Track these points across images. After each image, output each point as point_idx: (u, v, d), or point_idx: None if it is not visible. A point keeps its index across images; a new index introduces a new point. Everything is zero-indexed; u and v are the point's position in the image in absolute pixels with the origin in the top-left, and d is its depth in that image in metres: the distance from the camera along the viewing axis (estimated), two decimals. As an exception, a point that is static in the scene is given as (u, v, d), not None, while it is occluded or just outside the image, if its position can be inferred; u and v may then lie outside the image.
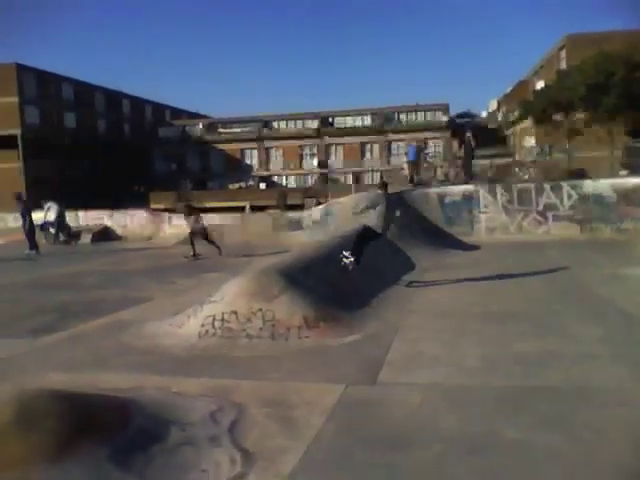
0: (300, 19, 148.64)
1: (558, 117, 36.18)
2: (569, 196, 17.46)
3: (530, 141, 44.51)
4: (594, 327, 6.66)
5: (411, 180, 19.79)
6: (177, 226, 21.41)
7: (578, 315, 7.27)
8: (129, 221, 22.54)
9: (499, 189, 18.18)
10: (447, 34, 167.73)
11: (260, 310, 6.71)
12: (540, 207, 17.50)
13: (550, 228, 17.07)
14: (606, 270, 10.50)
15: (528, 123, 48.16)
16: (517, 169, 22.13)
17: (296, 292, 7.09)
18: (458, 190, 18.52)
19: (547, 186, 17.87)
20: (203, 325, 6.74)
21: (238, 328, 6.57)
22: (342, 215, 16.33)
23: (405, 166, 21.24)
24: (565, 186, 17.65)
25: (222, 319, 6.71)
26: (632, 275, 9.68)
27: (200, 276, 12.10)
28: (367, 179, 58.02)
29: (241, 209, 44.16)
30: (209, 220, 20.61)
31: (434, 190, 18.70)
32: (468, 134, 20.85)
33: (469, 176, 20.24)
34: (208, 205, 45.34)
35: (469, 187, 18.70)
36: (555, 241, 15.57)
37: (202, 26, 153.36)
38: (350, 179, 54.46)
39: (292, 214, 20.53)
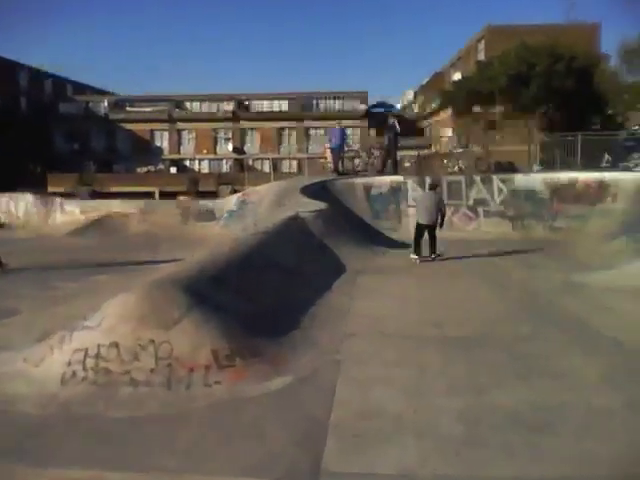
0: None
1: (478, 109, 35.97)
2: (500, 191, 16.59)
3: (448, 133, 44.38)
4: (582, 359, 5.35)
5: (335, 169, 18.25)
6: (71, 213, 18.77)
7: (555, 340, 5.96)
8: (12, 206, 19.48)
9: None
10: (363, 23, 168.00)
11: (152, 342, 4.85)
12: (470, 202, 16.53)
13: (481, 224, 16.12)
14: (556, 276, 9.41)
15: (446, 114, 48.19)
16: (445, 160, 21.25)
17: (204, 314, 5.27)
18: (385, 181, 17.21)
19: (477, 179, 16.94)
20: (70, 363, 4.79)
21: (119, 370, 4.68)
22: (263, 205, 14.56)
23: (328, 153, 19.67)
24: (496, 180, 16.77)
25: (97, 355, 4.79)
26: (588, 283, 8.60)
27: (88, 279, 9.93)
28: (285, 166, 56.19)
29: (150, 195, 41.15)
30: (107, 206, 18.23)
31: (360, 181, 17.27)
32: (392, 120, 19.50)
33: (394, 166, 18.95)
34: (113, 189, 41.99)
35: (397, 178, 17.44)
36: (488, 239, 14.57)
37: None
38: (267, 166, 52.41)
39: (204, 202, 18.45)
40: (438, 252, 11.49)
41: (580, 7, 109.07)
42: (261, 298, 6.45)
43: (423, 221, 11.49)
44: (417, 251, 11.30)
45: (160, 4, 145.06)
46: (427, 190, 13.19)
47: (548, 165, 21.03)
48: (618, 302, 7.52)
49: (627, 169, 15.65)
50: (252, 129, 60.72)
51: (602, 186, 14.93)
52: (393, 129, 18.87)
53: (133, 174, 52.29)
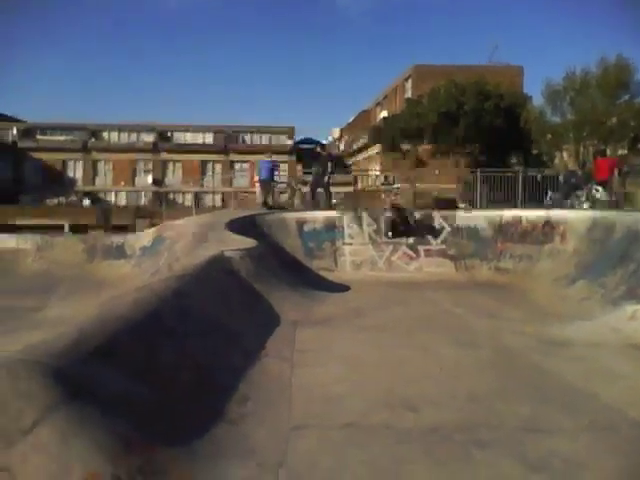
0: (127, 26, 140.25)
1: (407, 146, 35.67)
2: (441, 228, 15.51)
3: (375, 169, 43.97)
4: (622, 465, 3.88)
5: (265, 203, 16.63)
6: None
7: (568, 429, 4.47)
8: None
9: (365, 217, 15.73)
10: (292, 59, 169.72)
11: (-19, 473, 2.93)
12: (410, 240, 15.32)
13: (422, 264, 14.88)
14: (526, 328, 8.09)
15: (372, 152, 48.03)
16: (383, 195, 20.19)
17: (76, 414, 3.39)
18: (319, 217, 15.75)
19: (417, 215, 15.80)
20: None
21: None
22: (181, 242, 12.62)
23: (257, 186, 18.08)
24: (437, 216, 15.70)
25: None
26: (569, 339, 7.32)
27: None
28: (209, 200, 53.93)
29: (59, 228, 37.88)
30: (-1, 242, 15.67)
31: (292, 216, 15.72)
32: (322, 152, 18.22)
33: (329, 199, 17.56)
34: (18, 223, 38.35)
35: (331, 214, 16.02)
36: (432, 281, 13.32)
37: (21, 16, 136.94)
38: (189, 199, 49.98)
39: (113, 238, 16.18)
40: None
41: (502, 50, 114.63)
42: (171, 377, 4.58)
43: None
44: None
45: (83, 30, 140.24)
46: None
47: (473, 204, 20.34)
48: (619, 365, 6.21)
49: (572, 207, 15.01)
50: (174, 161, 58.31)
51: (549, 225, 14.09)
52: (326, 159, 17.56)
53: (41, 206, 48.43)
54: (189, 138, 59.45)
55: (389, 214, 15.07)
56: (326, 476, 3.70)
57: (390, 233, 14.97)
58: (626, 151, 27.19)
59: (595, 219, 12.71)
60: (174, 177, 57.73)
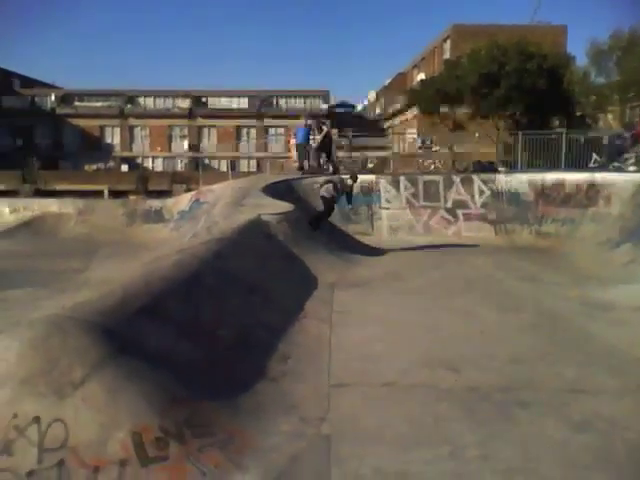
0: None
1: (445, 109, 34.82)
2: (481, 192, 15.20)
3: (413, 133, 43.21)
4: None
5: (301, 167, 16.53)
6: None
7: (614, 391, 4.41)
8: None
9: (403, 181, 15.52)
10: (325, 25, 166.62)
11: (36, 421, 3.05)
12: (449, 204, 15.10)
13: (461, 229, 14.68)
14: (569, 292, 7.93)
15: (411, 114, 47.10)
16: (421, 160, 19.82)
17: (124, 370, 3.48)
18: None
19: (457, 179, 15.51)
20: None
21: (-26, 473, 2.87)
22: (218, 206, 12.71)
23: (293, 150, 17.95)
24: (477, 180, 15.38)
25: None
26: (613, 302, 7.14)
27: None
28: (244, 166, 54.07)
29: (99, 193, 38.55)
30: (41, 205, 16.06)
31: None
32: (313, 123, 17.27)
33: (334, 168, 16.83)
34: (59, 188, 39.16)
35: (368, 177, 15.87)
36: (471, 245, 13.11)
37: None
38: (224, 165, 50.21)
39: (152, 202, 16.40)
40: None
41: (545, 9, 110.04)
42: (213, 335, 4.66)
43: None
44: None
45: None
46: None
47: (513, 167, 19.82)
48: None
49: (619, 170, 14.48)
50: (209, 127, 58.41)
51: (593, 188, 13.66)
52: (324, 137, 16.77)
53: (81, 172, 49.36)
54: (224, 103, 59.36)
55: (326, 193, 11.24)
56: (368, 431, 3.74)
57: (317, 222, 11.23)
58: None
59: (640, 182, 12.26)
60: (209, 142, 57.94)
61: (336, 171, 15.89)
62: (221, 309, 5.26)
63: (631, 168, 14.08)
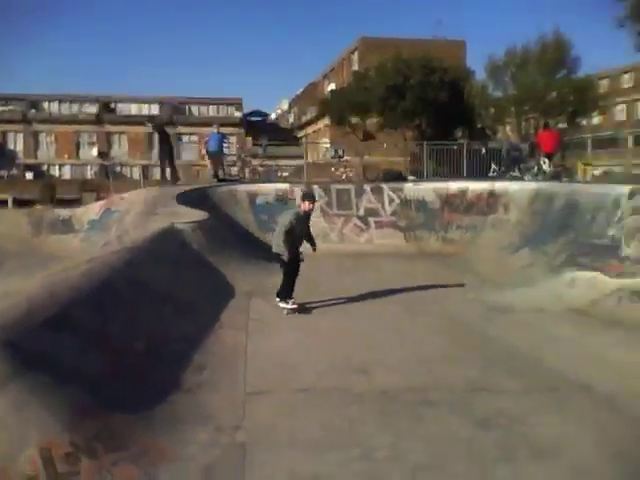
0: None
1: (355, 119, 35.76)
2: (390, 200, 15.73)
3: (325, 142, 43.97)
4: (569, 424, 4.18)
5: (215, 175, 16.43)
6: None
7: (514, 390, 4.77)
8: None
9: (317, 190, 15.77)
10: (240, 28, 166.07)
11: None
12: (361, 212, 15.51)
13: (373, 236, 15.08)
14: (473, 296, 8.40)
15: (321, 124, 47.94)
16: (333, 168, 20.24)
17: (32, 384, 3.38)
18: (271, 189, 15.73)
19: (367, 188, 15.98)
20: None
21: None
22: (130, 215, 12.38)
23: (206, 158, 17.79)
24: (386, 189, 15.91)
25: None
26: (513, 305, 7.66)
27: None
28: (157, 173, 52.66)
29: (2, 203, 36.27)
30: None
31: (243, 188, 15.62)
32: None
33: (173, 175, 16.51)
34: (-41, 198, 36.56)
35: (283, 186, 16.02)
36: (383, 252, 13.54)
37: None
38: (137, 172, 48.75)
39: (60, 211, 15.69)
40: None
41: (446, 25, 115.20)
42: (125, 346, 4.59)
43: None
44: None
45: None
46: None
47: (419, 176, 20.65)
48: (560, 329, 6.56)
49: (517, 179, 15.46)
50: (119, 133, 56.56)
51: (493, 196, 14.52)
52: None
53: (-20, 180, 46.36)
54: (134, 109, 57.73)
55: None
56: (283, 437, 3.83)
57: None
58: (566, 125, 28.15)
59: (537, 190, 13.17)
60: (120, 149, 56.07)
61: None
62: (133, 319, 5.18)
63: (527, 177, 15.09)
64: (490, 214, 14.33)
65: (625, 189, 9.75)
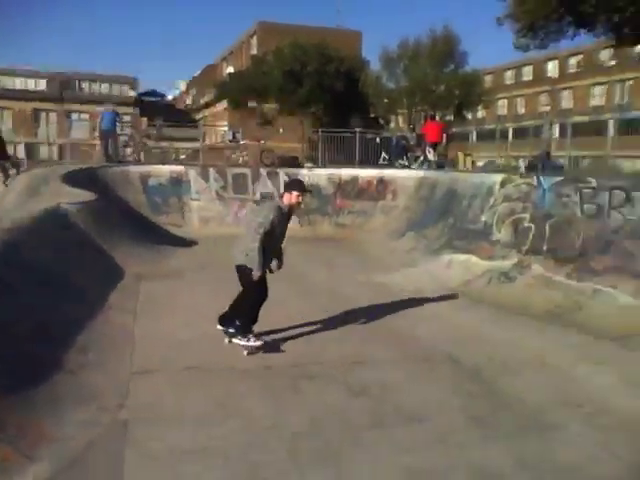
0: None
1: (253, 103, 35.60)
2: (286, 185, 16.00)
3: (224, 125, 43.40)
4: (433, 391, 4.64)
5: (107, 155, 15.83)
6: None
7: (388, 362, 5.20)
8: None
9: (212, 173, 15.73)
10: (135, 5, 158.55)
11: None
12: (257, 196, 15.66)
13: (268, 220, 15.28)
14: (360, 277, 8.89)
15: (220, 108, 47.27)
16: (229, 151, 20.09)
17: None
18: (165, 170, 15.48)
19: (264, 172, 16.15)
20: None
21: None
22: (11, 195, 11.71)
23: (97, 137, 17.05)
24: (282, 174, 16.15)
25: None
26: (391, 285, 8.20)
27: None
28: (43, 152, 49.49)
29: None
30: None
31: (136, 169, 15.24)
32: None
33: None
34: None
35: (177, 168, 15.82)
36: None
37: None
38: (21, 151, 45.64)
39: None
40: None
41: (344, 14, 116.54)
42: (7, 328, 4.49)
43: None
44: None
45: None
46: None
47: (315, 162, 21.11)
48: (435, 307, 7.14)
49: (405, 167, 16.24)
50: (2, 108, 52.52)
51: (382, 183, 15.21)
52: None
53: None
54: (18, 84, 53.80)
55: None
56: (167, 413, 3.96)
57: None
58: (452, 117, 29.68)
59: (422, 178, 13.98)
60: (4, 126, 52.10)
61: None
62: (14, 301, 5.05)
63: (414, 166, 15.92)
64: (380, 200, 15.02)
65: (498, 178, 10.62)
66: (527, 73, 50.18)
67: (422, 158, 16.02)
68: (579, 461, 3.53)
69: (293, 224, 14.73)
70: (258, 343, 5.24)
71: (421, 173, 14.64)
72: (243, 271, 5.21)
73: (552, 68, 46.00)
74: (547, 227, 8.90)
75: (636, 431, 3.95)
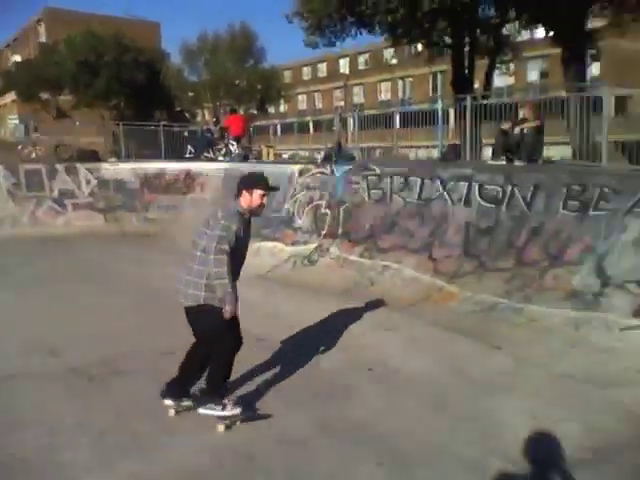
0: None
1: (46, 95, 33.08)
2: (87, 181, 15.45)
3: (14, 119, 39.58)
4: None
5: None
6: None
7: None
8: None
9: (2, 171, 14.60)
10: None
11: None
12: (55, 193, 14.88)
13: (71, 219, 14.65)
14: (169, 271, 9.09)
15: (8, 99, 43.03)
16: (20, 147, 18.54)
17: None
18: None
19: (61, 168, 15.35)
20: None
21: None
22: None
23: None
24: (82, 169, 15.54)
25: None
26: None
27: None
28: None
29: None
30: None
31: None
32: None
33: None
34: None
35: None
36: (81, 234, 13.33)
37: None
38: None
39: None
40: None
41: (139, 5, 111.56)
42: None
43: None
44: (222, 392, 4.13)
45: None
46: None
47: (119, 156, 20.59)
48: (247, 293, 7.58)
49: (210, 160, 16.52)
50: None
51: (189, 177, 15.40)
52: None
53: None
54: None
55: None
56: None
57: None
58: (255, 111, 30.67)
59: (227, 170, 14.45)
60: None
61: None
62: None
63: (220, 158, 16.32)
64: (188, 193, 15.19)
65: (296, 168, 11.51)
66: (322, 70, 52.99)
67: (224, 151, 16.48)
68: (370, 417, 4.15)
69: (99, 221, 14.62)
70: (236, 411, 3.93)
71: (227, 165, 15.09)
72: (204, 313, 3.90)
73: (344, 65, 49.21)
74: (341, 212, 9.98)
75: (419, 385, 4.75)
